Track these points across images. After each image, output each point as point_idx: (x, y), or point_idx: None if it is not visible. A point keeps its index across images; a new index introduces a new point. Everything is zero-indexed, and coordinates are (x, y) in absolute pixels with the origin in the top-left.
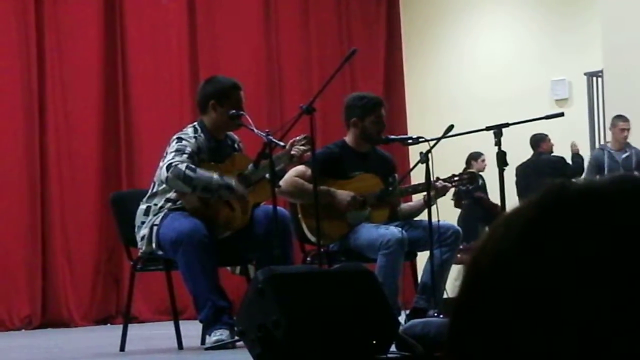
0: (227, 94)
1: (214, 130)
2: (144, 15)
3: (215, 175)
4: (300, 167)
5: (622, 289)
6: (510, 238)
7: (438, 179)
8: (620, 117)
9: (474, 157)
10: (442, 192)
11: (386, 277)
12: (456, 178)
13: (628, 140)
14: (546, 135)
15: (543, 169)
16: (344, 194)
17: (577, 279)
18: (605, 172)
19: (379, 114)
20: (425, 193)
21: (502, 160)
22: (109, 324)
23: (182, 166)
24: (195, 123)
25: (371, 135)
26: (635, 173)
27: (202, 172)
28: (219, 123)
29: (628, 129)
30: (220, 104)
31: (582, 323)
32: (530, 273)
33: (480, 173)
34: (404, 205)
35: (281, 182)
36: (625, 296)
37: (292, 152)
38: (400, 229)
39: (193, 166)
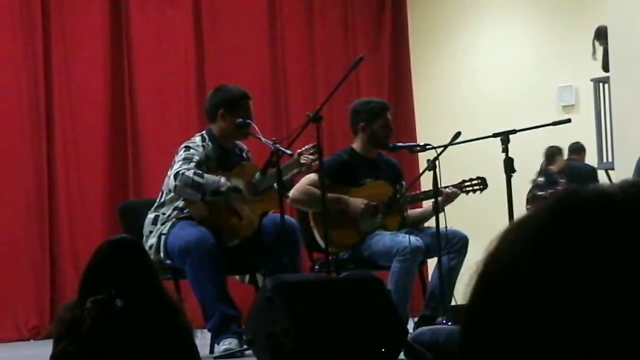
0: (237, 103)
1: (221, 139)
2: (150, 26)
3: (222, 179)
4: (312, 176)
5: (636, 293)
6: (523, 243)
7: (447, 187)
8: None
9: (558, 151)
10: (452, 198)
11: (399, 282)
12: (466, 183)
13: None
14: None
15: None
16: (357, 202)
17: (591, 284)
18: None
19: (386, 118)
20: (433, 200)
21: (509, 166)
22: None
23: (190, 173)
24: (204, 132)
25: (380, 140)
26: None
27: (209, 176)
28: (227, 132)
29: None
30: (229, 113)
31: (597, 327)
32: (543, 278)
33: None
34: (412, 212)
35: (293, 191)
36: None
37: (302, 161)
38: (417, 237)
39: (200, 172)
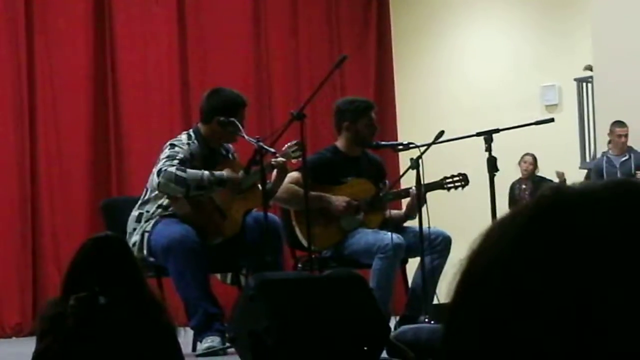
0: (236, 110)
1: (209, 139)
2: (133, 22)
3: (205, 172)
4: (294, 174)
5: (618, 289)
6: (506, 241)
7: (419, 184)
8: (616, 123)
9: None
10: (422, 199)
11: (380, 280)
12: (448, 180)
13: (631, 145)
14: None
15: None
16: (338, 199)
17: (573, 281)
18: (605, 177)
19: (370, 117)
20: (408, 202)
21: (492, 165)
22: None
23: (172, 169)
24: (190, 130)
25: (364, 139)
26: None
27: (191, 171)
28: (216, 134)
29: (625, 135)
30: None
31: (578, 323)
32: (526, 275)
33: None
34: (392, 212)
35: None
36: (621, 296)
37: (272, 163)
38: (399, 235)
39: (183, 167)
